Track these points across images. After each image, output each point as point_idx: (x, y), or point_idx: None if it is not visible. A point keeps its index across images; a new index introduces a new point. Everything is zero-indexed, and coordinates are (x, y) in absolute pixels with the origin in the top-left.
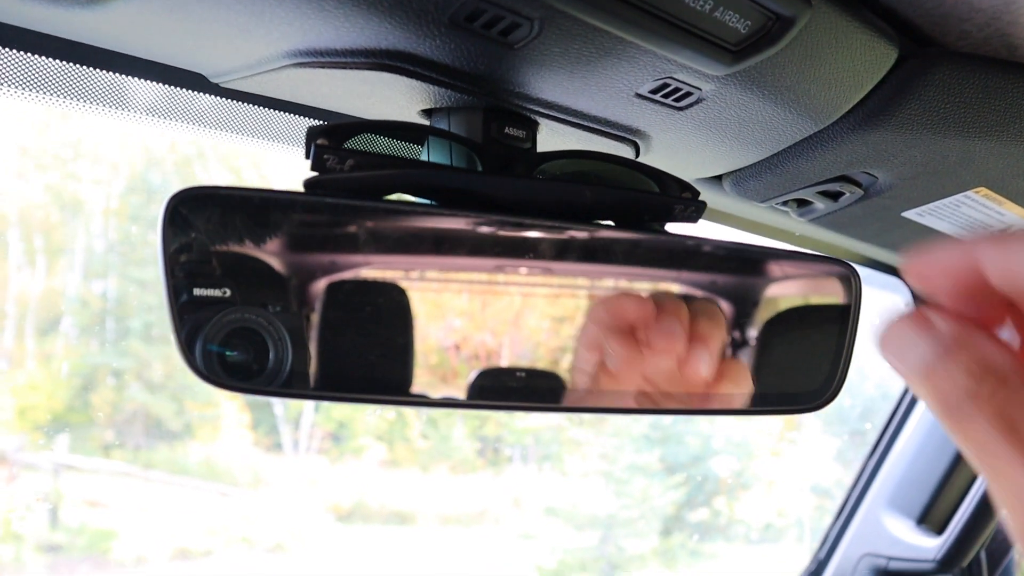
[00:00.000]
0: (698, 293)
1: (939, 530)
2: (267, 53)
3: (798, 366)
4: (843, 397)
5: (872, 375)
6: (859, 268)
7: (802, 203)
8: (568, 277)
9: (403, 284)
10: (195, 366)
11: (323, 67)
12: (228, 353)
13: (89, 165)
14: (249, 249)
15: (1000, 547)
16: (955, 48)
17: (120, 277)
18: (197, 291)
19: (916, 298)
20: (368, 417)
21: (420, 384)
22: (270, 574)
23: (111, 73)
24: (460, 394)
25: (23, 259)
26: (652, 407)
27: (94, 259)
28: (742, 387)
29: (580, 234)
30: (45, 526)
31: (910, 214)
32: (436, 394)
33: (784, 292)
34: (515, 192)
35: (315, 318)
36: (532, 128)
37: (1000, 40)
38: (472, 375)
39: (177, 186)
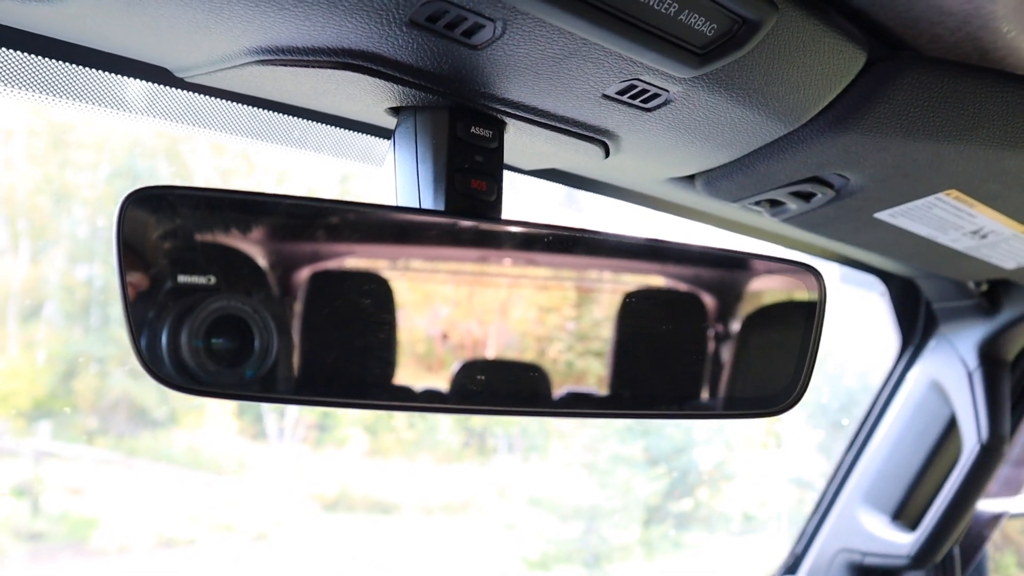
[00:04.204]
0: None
1: (913, 526)
2: (229, 49)
3: (762, 369)
4: (823, 391)
5: (851, 368)
6: (834, 266)
7: (775, 203)
8: (547, 268)
9: (386, 275)
10: (145, 362)
11: (286, 65)
12: (213, 341)
13: (74, 149)
14: (220, 242)
15: (973, 543)
16: (926, 52)
17: (104, 263)
18: (182, 278)
19: (892, 296)
20: (354, 410)
21: (404, 376)
22: (254, 562)
23: (74, 66)
24: (444, 386)
25: (6, 244)
26: (620, 411)
27: (78, 245)
28: None
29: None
30: (26, 514)
31: (882, 215)
32: (420, 387)
33: (748, 295)
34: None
35: (297, 308)
36: (499, 128)
37: (971, 44)
38: (456, 367)
39: (164, 171)
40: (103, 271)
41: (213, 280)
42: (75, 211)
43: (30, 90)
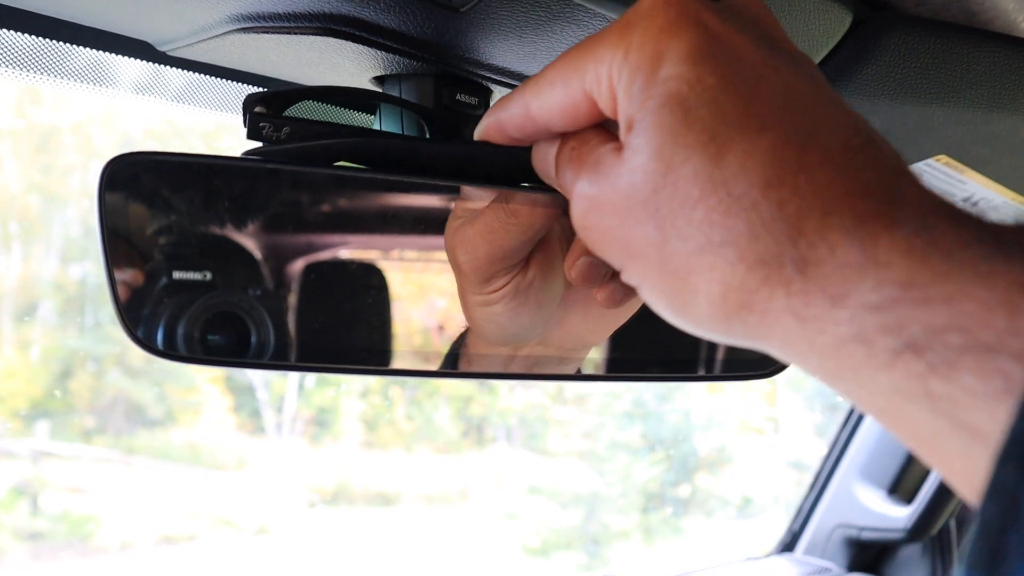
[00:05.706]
0: None
1: (909, 499)
2: (210, 18)
3: None
4: None
5: None
6: None
7: None
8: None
9: (380, 264)
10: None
11: (267, 32)
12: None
13: (65, 149)
14: (206, 221)
15: (969, 516)
16: (912, 13)
17: (97, 262)
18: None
19: None
20: (352, 402)
21: (400, 364)
22: (255, 557)
23: (55, 42)
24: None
25: None
26: (616, 374)
27: (71, 244)
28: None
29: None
30: (26, 513)
31: None
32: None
33: None
34: (459, 158)
35: (291, 299)
36: (485, 95)
37: (958, 6)
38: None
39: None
40: (96, 269)
41: (210, 273)
42: (67, 210)
43: (6, 66)
